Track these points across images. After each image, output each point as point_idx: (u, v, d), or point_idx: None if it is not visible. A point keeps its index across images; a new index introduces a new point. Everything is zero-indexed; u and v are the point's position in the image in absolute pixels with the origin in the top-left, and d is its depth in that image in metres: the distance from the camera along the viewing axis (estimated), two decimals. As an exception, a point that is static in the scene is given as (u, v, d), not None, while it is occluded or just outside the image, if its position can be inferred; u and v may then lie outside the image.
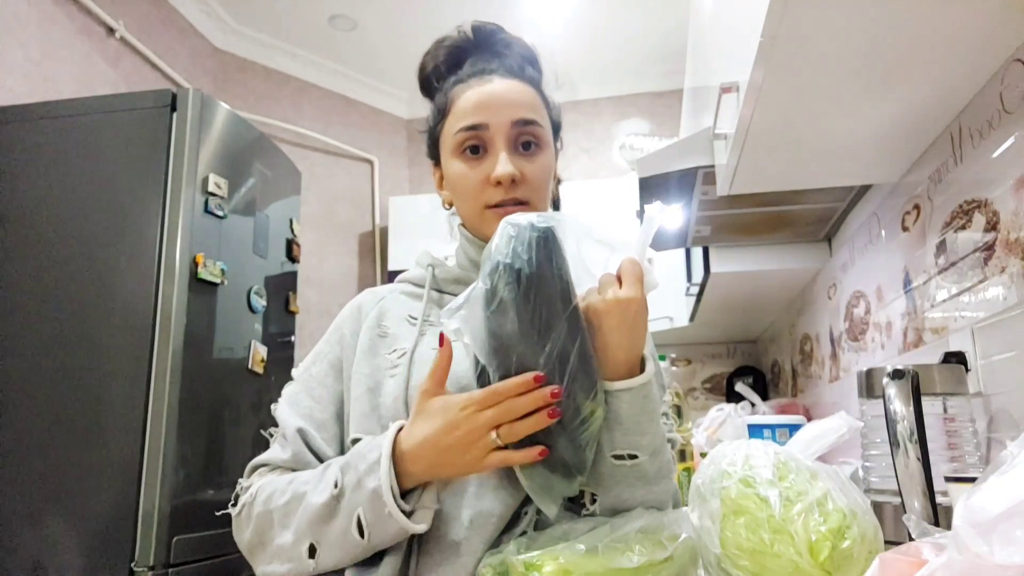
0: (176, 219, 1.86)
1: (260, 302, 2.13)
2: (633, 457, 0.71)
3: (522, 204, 0.84)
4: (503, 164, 0.82)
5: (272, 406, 0.87)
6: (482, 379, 0.68)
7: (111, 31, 2.62)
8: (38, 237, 1.91)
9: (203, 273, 1.88)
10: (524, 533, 0.72)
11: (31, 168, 1.96)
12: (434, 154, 0.93)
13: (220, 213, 1.97)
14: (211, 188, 1.95)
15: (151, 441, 1.73)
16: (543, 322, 0.65)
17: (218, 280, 1.94)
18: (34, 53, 2.28)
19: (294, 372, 0.90)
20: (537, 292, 0.65)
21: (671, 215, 0.66)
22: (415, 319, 0.88)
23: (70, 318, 1.84)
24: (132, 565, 1.67)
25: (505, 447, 0.66)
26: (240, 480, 0.84)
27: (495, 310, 0.65)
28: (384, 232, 3.68)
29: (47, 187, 1.94)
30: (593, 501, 0.73)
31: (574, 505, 0.76)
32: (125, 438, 1.74)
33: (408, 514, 0.68)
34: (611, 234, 0.73)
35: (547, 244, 0.67)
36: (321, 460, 0.82)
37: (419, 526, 0.69)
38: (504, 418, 0.65)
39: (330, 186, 3.55)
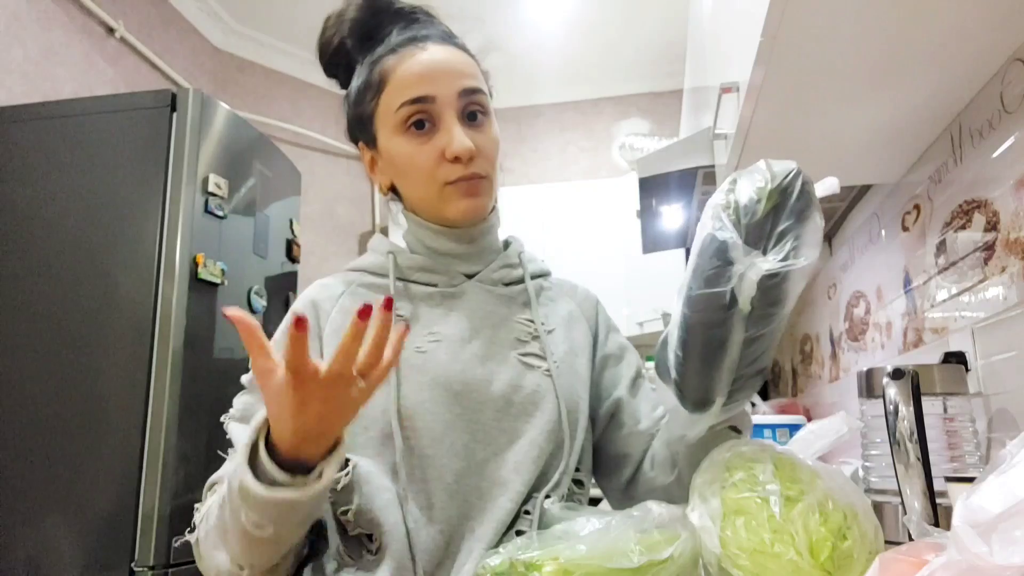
0: (176, 219, 1.86)
1: (260, 302, 2.13)
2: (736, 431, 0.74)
3: (481, 178, 0.80)
4: (460, 139, 0.77)
5: (223, 418, 0.79)
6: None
7: (111, 31, 2.62)
8: (38, 237, 1.91)
9: (203, 273, 1.88)
10: (523, 533, 0.72)
11: (31, 168, 1.96)
12: (364, 135, 0.86)
13: (220, 213, 1.97)
14: (211, 188, 1.95)
15: (151, 441, 1.73)
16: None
17: (218, 280, 1.94)
18: (34, 53, 2.28)
19: (244, 379, 0.81)
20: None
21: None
22: None
23: (70, 318, 1.84)
24: (132, 565, 1.67)
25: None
26: (196, 505, 0.76)
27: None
28: (384, 232, 3.68)
29: (47, 187, 1.94)
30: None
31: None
32: (125, 438, 1.74)
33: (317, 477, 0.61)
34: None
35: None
36: None
37: (312, 488, 0.59)
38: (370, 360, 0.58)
39: (330, 186, 3.55)
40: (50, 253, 1.89)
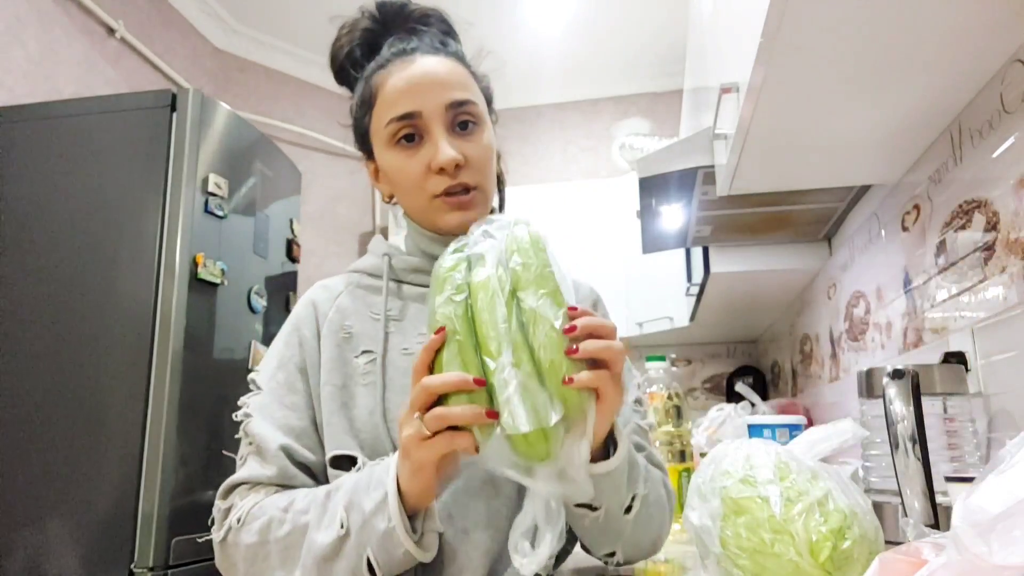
0: (176, 219, 1.86)
1: (260, 302, 2.13)
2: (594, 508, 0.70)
3: (471, 189, 0.80)
4: (445, 150, 0.77)
5: (238, 417, 0.79)
6: None
7: (111, 31, 2.62)
8: (38, 237, 1.91)
9: (203, 273, 1.88)
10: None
11: (31, 168, 1.96)
12: (364, 148, 0.88)
13: (220, 213, 1.97)
14: (211, 188, 1.95)
15: (151, 442, 1.73)
16: None
17: (218, 280, 1.94)
18: (34, 53, 2.28)
19: (258, 379, 0.81)
20: None
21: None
22: (378, 315, 0.82)
23: (70, 318, 1.84)
24: (132, 566, 1.67)
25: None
26: (217, 502, 0.76)
27: None
28: (384, 232, 3.68)
29: (47, 187, 1.94)
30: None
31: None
32: (125, 439, 1.74)
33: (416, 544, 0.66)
34: None
35: None
36: (308, 472, 0.77)
37: (428, 554, 0.66)
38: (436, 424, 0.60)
39: (330, 186, 3.55)
40: (50, 253, 1.89)
